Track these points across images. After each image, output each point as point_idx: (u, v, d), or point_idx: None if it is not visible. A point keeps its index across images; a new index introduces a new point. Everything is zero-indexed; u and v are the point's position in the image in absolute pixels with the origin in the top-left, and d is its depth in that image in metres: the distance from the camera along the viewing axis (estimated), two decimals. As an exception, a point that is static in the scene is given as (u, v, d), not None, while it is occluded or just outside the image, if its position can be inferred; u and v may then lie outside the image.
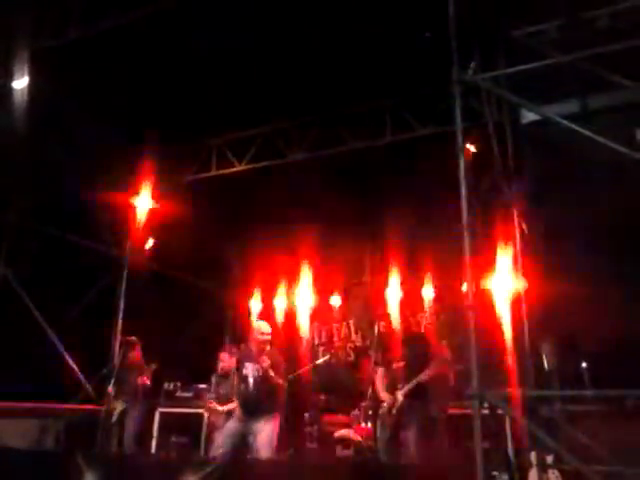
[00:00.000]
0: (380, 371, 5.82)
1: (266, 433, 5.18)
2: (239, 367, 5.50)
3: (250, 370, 5.36)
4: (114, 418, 6.71)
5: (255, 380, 5.32)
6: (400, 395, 5.40)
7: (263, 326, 5.54)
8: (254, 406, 5.28)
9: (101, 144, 7.46)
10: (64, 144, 6.79)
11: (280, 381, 5.31)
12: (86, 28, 5.71)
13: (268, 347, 5.44)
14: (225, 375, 6.55)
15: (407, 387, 5.40)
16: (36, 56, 5.94)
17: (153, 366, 6.99)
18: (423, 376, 5.39)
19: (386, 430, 5.52)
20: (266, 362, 5.21)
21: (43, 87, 6.04)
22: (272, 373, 5.20)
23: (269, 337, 5.47)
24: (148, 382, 6.89)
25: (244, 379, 5.37)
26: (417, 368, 5.45)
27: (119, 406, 6.74)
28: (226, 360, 6.68)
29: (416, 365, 5.48)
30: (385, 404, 5.54)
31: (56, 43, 5.83)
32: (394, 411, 5.42)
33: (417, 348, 5.64)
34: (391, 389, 5.54)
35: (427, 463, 5.03)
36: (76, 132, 6.78)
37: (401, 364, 5.60)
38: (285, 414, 7.07)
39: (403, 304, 8.60)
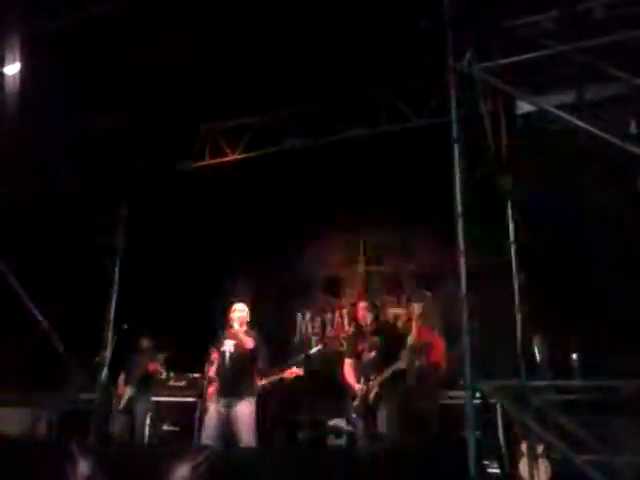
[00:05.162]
0: (348, 362, 5.76)
1: (246, 418, 5.28)
2: (219, 345, 5.60)
3: (227, 346, 5.52)
4: (122, 405, 6.73)
5: (231, 355, 5.46)
6: (375, 384, 5.38)
7: (237, 305, 5.70)
8: (231, 383, 5.39)
9: (95, 131, 7.43)
10: (56, 130, 6.74)
11: (252, 345, 5.44)
12: (79, 14, 5.65)
13: (243, 326, 5.56)
14: None
15: (382, 376, 5.39)
16: (28, 41, 5.88)
17: (163, 356, 7.00)
18: (400, 364, 5.40)
19: (362, 422, 5.49)
20: (240, 332, 5.44)
21: (35, 73, 5.99)
22: (246, 339, 5.41)
23: (242, 314, 5.60)
24: (159, 367, 6.92)
25: (222, 355, 5.52)
26: (390, 357, 5.44)
27: (128, 392, 6.75)
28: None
29: (389, 354, 5.47)
30: (358, 396, 5.50)
31: (48, 29, 5.77)
32: (370, 401, 5.39)
33: (388, 337, 5.63)
34: (364, 380, 5.51)
35: (414, 448, 5.03)
36: (68, 118, 6.73)
37: (372, 354, 5.56)
38: (277, 403, 7.14)
39: (394, 293, 8.63)
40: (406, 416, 5.40)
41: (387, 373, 5.38)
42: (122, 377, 6.97)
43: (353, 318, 5.95)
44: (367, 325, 5.70)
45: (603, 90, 4.70)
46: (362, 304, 5.86)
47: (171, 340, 7.67)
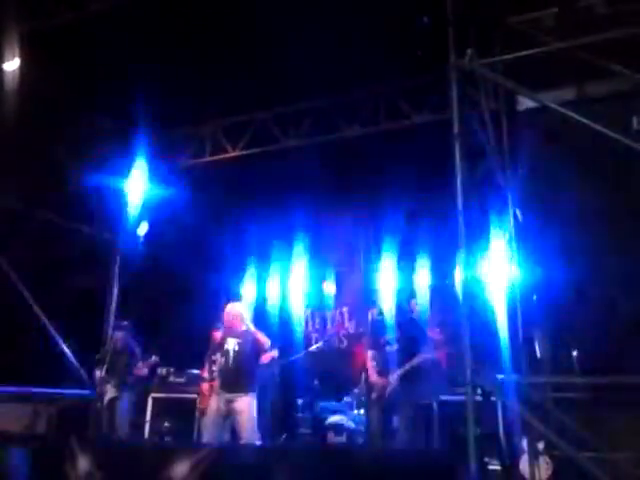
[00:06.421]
0: (371, 354, 5.83)
1: (247, 414, 5.31)
2: (222, 343, 5.63)
3: (231, 344, 5.56)
4: (104, 403, 6.68)
5: (235, 353, 5.50)
6: (393, 379, 5.41)
7: (234, 304, 5.89)
8: (233, 380, 5.42)
9: (95, 128, 7.42)
10: (56, 127, 6.73)
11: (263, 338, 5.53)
12: (78, 9, 5.64)
13: (243, 325, 5.62)
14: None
15: (400, 370, 5.41)
16: (27, 38, 5.86)
17: (154, 358, 6.94)
18: (417, 359, 5.41)
19: (378, 414, 5.53)
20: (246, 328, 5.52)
21: (34, 69, 5.97)
22: (263, 338, 5.52)
23: (241, 312, 5.71)
24: (145, 371, 6.86)
25: (225, 353, 5.56)
26: (410, 352, 5.47)
27: (110, 392, 6.70)
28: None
29: (409, 349, 5.49)
30: (376, 388, 5.54)
31: (47, 24, 5.75)
32: (387, 395, 5.42)
33: (410, 332, 5.65)
34: (384, 373, 5.54)
35: (417, 449, 5.04)
36: (68, 116, 6.72)
37: (394, 347, 5.60)
38: (278, 400, 7.15)
39: (396, 290, 8.62)
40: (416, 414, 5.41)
41: (406, 367, 5.41)
42: (102, 375, 6.81)
43: (381, 312, 6.03)
44: (392, 319, 5.77)
45: (604, 86, 4.69)
46: (391, 300, 5.95)
47: (171, 337, 7.68)
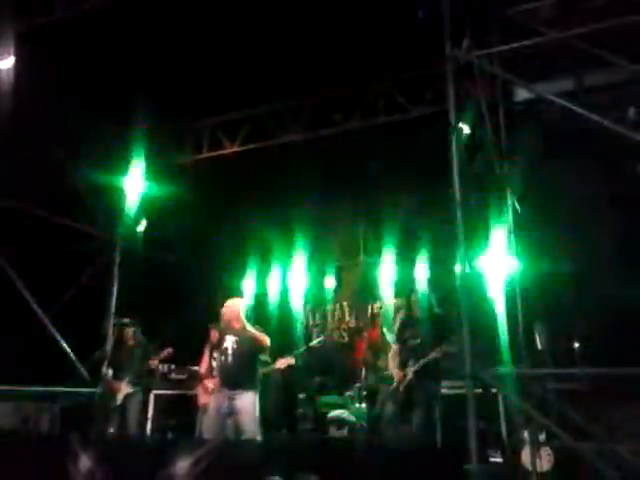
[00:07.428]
0: (394, 348, 5.92)
1: (249, 412, 5.29)
2: (220, 341, 5.61)
3: (229, 342, 5.51)
4: (119, 401, 6.67)
5: (233, 351, 5.45)
6: (410, 372, 5.45)
7: (232, 300, 5.79)
8: (234, 378, 5.40)
9: (91, 126, 7.40)
10: (52, 126, 6.71)
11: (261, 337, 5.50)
12: (73, 7, 5.61)
13: (239, 321, 5.57)
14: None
15: (417, 365, 5.44)
16: (22, 36, 5.84)
17: (167, 351, 6.92)
18: (435, 354, 5.43)
19: (392, 407, 5.56)
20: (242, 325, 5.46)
21: (29, 67, 5.95)
22: (261, 337, 5.47)
23: (237, 309, 5.64)
24: (157, 363, 6.87)
25: (224, 351, 5.52)
26: (430, 346, 5.50)
27: (124, 389, 6.70)
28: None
29: (429, 343, 5.53)
30: (394, 381, 5.60)
31: (43, 22, 5.73)
32: (401, 388, 5.45)
33: (432, 327, 5.68)
34: (402, 366, 5.59)
35: (421, 444, 5.05)
36: (65, 114, 6.70)
37: (416, 342, 5.65)
38: (279, 395, 7.15)
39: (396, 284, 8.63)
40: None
41: (422, 363, 5.44)
42: (110, 372, 6.84)
43: (406, 307, 6.12)
44: (416, 314, 5.84)
45: (601, 77, 4.67)
46: (414, 297, 6.04)
47: (171, 334, 7.68)
